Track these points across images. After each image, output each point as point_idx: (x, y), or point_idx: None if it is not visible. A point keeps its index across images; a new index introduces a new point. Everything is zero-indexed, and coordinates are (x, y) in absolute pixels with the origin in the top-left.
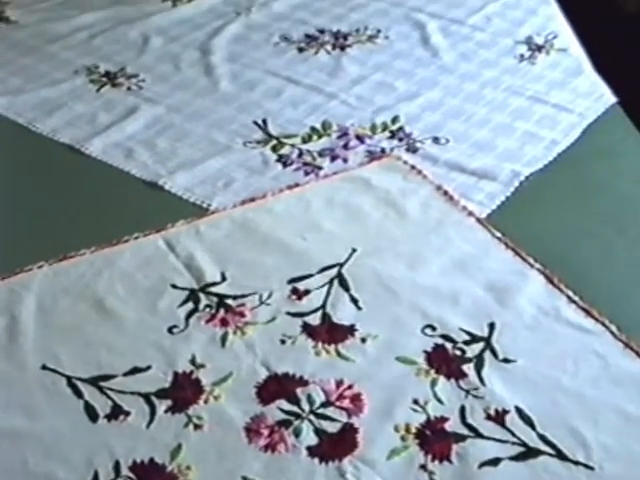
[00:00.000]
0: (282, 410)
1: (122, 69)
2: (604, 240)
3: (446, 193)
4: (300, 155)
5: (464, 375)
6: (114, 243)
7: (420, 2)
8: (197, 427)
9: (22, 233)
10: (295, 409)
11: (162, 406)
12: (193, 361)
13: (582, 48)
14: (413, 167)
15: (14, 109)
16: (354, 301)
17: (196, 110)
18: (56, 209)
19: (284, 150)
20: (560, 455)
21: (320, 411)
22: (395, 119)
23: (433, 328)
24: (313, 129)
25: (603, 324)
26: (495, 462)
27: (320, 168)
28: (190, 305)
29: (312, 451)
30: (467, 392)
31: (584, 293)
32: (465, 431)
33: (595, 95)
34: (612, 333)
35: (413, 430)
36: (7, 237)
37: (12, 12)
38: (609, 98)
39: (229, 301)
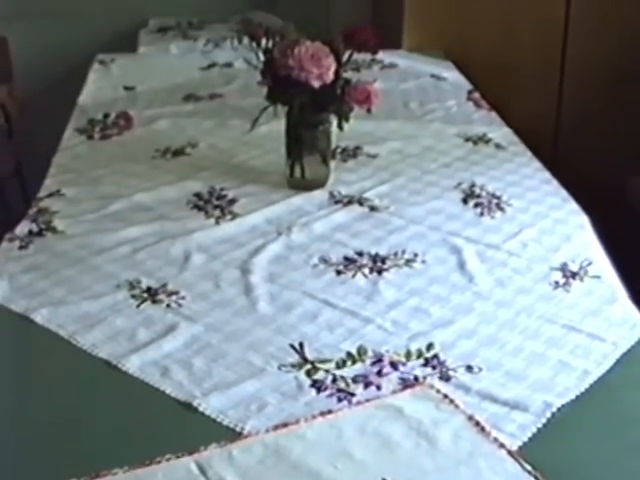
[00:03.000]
0: None
1: (163, 285)
2: (637, 473)
3: (478, 424)
4: (334, 381)
5: None
6: (147, 464)
7: (457, 226)
8: None
9: (54, 448)
10: None
11: None
12: None
13: (616, 273)
14: (446, 396)
15: (56, 321)
16: None
17: (234, 330)
18: (90, 425)
19: (318, 375)
20: None
21: None
22: (430, 346)
23: None
24: (348, 354)
25: None
26: None
27: (353, 395)
28: None
29: None
30: None
31: None
32: None
33: (629, 324)
34: None
35: None
36: (39, 452)
37: (60, 222)
38: None
39: None
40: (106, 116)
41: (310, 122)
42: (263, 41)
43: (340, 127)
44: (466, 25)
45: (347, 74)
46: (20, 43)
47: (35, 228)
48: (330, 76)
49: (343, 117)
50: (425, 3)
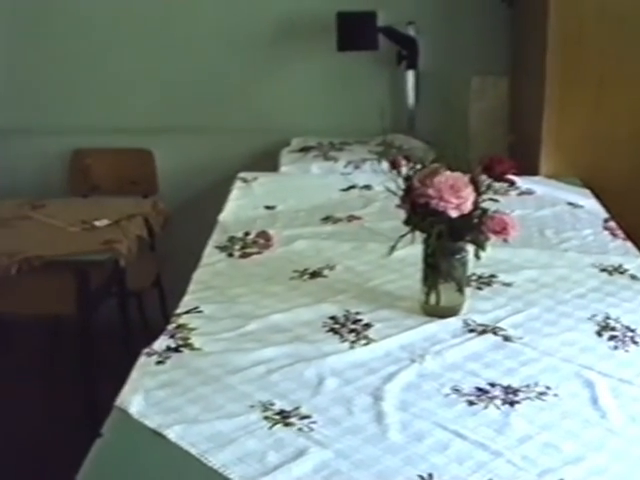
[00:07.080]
0: None
1: (296, 408)
2: None
3: None
4: None
5: None
6: None
7: (590, 359)
8: None
9: None
10: None
11: None
12: None
13: None
14: None
15: (188, 439)
16: None
17: (363, 458)
18: None
19: None
20: None
21: None
22: None
23: None
24: None
25: None
26: None
27: None
28: None
29: None
30: None
31: None
32: None
33: None
34: None
35: None
36: None
37: (197, 339)
38: None
39: None
40: (246, 234)
41: (447, 250)
42: (403, 168)
43: (477, 257)
44: (601, 151)
45: (485, 202)
46: (165, 157)
47: (173, 344)
48: (468, 206)
49: (480, 246)
50: (561, 130)
